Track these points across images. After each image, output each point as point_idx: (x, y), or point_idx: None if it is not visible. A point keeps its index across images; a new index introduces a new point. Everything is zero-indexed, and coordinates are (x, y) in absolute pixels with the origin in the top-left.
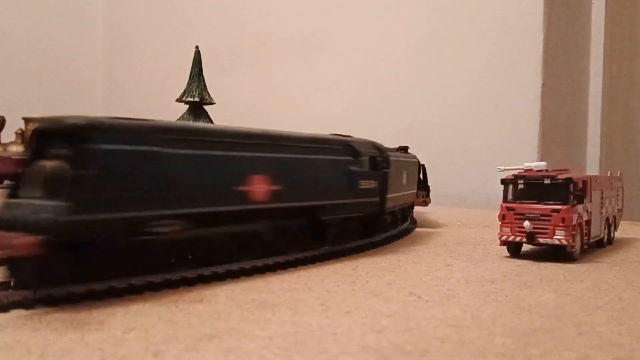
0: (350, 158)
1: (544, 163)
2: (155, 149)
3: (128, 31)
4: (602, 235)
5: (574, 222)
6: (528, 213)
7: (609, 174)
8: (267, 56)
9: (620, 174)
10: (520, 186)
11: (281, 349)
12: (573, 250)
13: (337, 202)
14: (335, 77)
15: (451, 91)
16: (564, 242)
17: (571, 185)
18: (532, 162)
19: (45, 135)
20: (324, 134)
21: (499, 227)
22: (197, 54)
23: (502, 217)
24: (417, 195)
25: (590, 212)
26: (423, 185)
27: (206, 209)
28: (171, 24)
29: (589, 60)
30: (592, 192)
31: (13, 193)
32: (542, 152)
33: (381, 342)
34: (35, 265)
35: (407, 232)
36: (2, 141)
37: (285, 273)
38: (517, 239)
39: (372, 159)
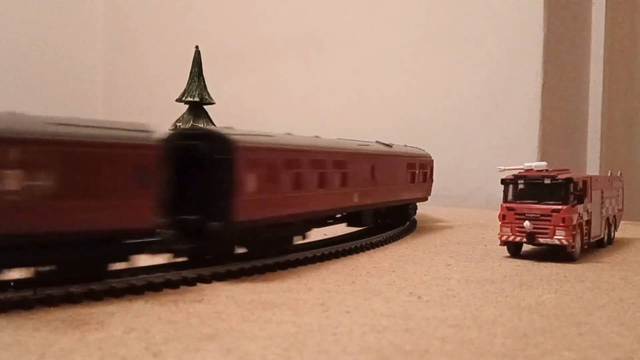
0: None
1: (544, 163)
2: None
3: (128, 31)
4: (602, 235)
5: (574, 222)
6: (528, 213)
7: (609, 174)
8: (267, 56)
9: (620, 174)
10: (521, 186)
11: (281, 349)
12: (573, 250)
13: None
14: (335, 77)
15: (451, 91)
16: (564, 242)
17: (571, 185)
18: (532, 162)
19: None
20: None
21: (499, 227)
22: (197, 54)
23: (503, 217)
24: None
25: (591, 212)
26: None
27: None
28: (171, 24)
29: (589, 60)
30: (592, 192)
31: None
32: (542, 152)
33: (381, 342)
34: None
35: (407, 232)
36: None
37: (285, 273)
38: (517, 239)
39: None
